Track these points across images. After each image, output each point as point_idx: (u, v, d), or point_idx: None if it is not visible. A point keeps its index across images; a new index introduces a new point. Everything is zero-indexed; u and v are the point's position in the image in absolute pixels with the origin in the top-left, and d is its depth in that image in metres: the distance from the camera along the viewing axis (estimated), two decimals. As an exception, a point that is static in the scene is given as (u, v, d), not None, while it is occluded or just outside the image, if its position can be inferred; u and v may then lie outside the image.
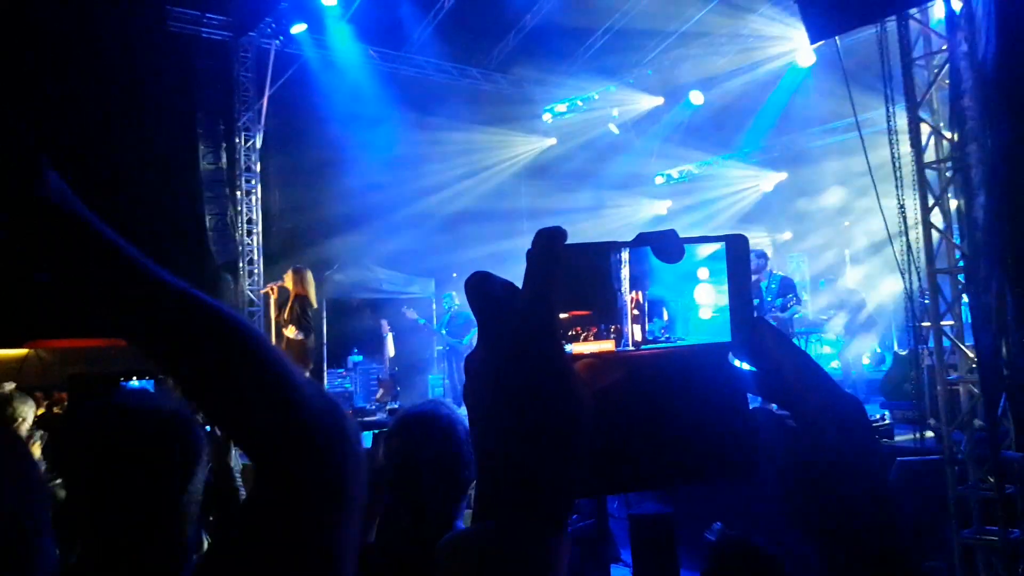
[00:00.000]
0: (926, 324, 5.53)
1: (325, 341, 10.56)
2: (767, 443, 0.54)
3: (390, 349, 11.57)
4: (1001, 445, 4.98)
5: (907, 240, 5.65)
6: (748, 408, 0.55)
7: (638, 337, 0.55)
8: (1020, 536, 4.81)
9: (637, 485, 0.55)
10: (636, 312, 0.55)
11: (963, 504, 5.06)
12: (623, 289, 0.54)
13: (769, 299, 8.64)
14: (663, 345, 0.55)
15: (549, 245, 0.50)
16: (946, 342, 5.39)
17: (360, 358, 11.48)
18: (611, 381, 0.53)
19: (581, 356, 0.53)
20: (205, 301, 0.70)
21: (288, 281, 8.29)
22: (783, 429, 0.55)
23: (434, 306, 12.35)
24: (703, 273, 0.55)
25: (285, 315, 8.23)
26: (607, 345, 0.54)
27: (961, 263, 5.28)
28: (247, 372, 0.70)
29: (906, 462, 5.48)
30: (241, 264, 10.59)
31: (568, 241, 0.51)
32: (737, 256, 0.55)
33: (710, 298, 0.56)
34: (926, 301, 5.57)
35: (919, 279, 5.60)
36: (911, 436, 6.05)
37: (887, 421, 6.73)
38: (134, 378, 9.05)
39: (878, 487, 0.54)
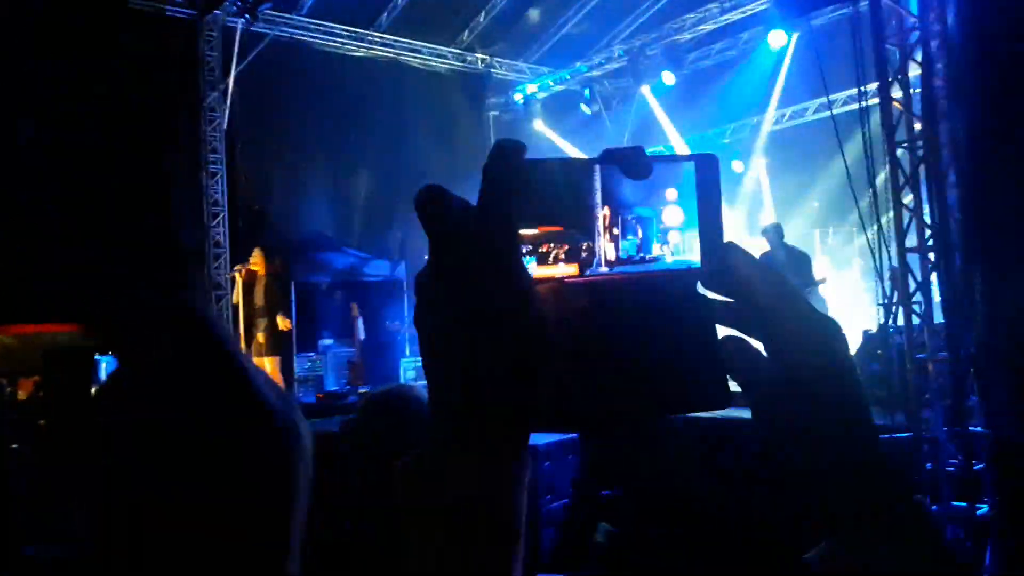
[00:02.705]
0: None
1: (294, 324, 10.45)
2: (738, 372, 0.52)
3: (360, 332, 11.49)
4: (968, 422, 5.05)
5: (878, 219, 5.68)
6: (716, 337, 0.52)
7: (612, 256, 0.52)
8: (988, 511, 4.88)
9: (602, 419, 0.53)
10: (608, 228, 0.52)
11: (931, 481, 5.13)
12: (595, 203, 0.51)
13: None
14: (634, 267, 0.53)
15: (508, 158, 0.47)
16: (915, 320, 5.44)
17: (331, 342, 11.39)
18: (574, 308, 0.50)
19: (544, 280, 0.50)
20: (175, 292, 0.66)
21: (257, 262, 8.13)
22: (754, 356, 0.52)
23: (407, 288, 12.28)
24: (671, 194, 0.53)
25: (261, 299, 8.07)
26: (571, 269, 0.51)
27: (931, 242, 5.32)
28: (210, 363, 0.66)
29: (876, 440, 5.54)
30: (208, 247, 10.42)
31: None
32: (707, 177, 0.52)
33: (679, 220, 0.53)
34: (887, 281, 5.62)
35: (889, 258, 5.64)
36: (880, 415, 6.12)
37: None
38: (109, 353, 8.89)
39: (857, 409, 0.51)
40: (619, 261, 0.53)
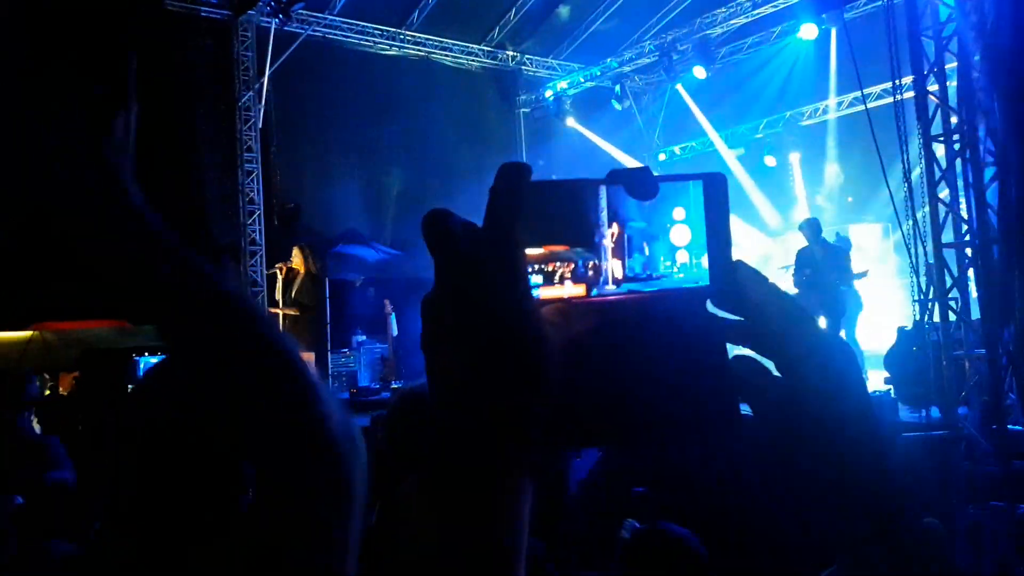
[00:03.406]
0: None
1: (328, 321, 10.57)
2: (748, 394, 0.52)
3: (393, 328, 11.56)
4: (1006, 420, 4.97)
5: (913, 214, 5.61)
6: (727, 358, 0.52)
7: (618, 274, 0.52)
8: (1026, 511, 4.81)
9: (608, 440, 0.53)
10: (615, 247, 0.52)
11: (969, 479, 5.05)
12: (602, 222, 0.51)
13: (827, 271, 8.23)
14: (642, 284, 0.53)
15: (514, 181, 0.48)
16: (952, 317, 5.36)
17: (363, 338, 11.49)
18: (581, 329, 0.50)
19: (549, 301, 0.50)
20: (239, 296, 0.68)
21: (296, 259, 8.27)
22: (766, 377, 0.52)
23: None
24: (679, 213, 0.53)
25: (299, 296, 8.23)
26: (578, 289, 0.51)
27: (967, 237, 5.24)
28: (272, 374, 0.67)
29: (910, 437, 5.47)
30: (243, 245, 10.57)
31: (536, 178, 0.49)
32: (715, 196, 0.52)
33: (686, 239, 0.53)
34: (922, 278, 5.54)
35: (925, 254, 5.57)
36: (915, 412, 6.04)
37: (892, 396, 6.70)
38: (146, 354, 9.10)
39: (866, 431, 0.51)
40: (626, 280, 0.53)
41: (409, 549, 0.46)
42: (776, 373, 0.52)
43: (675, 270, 0.53)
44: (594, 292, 0.52)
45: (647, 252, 0.53)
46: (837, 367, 0.51)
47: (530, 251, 0.50)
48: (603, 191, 0.52)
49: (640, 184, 0.52)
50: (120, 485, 1.12)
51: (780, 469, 0.52)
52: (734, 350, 0.53)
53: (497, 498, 0.46)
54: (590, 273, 0.52)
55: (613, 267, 0.52)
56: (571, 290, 0.52)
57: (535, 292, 0.50)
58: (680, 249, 0.53)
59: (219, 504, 1.14)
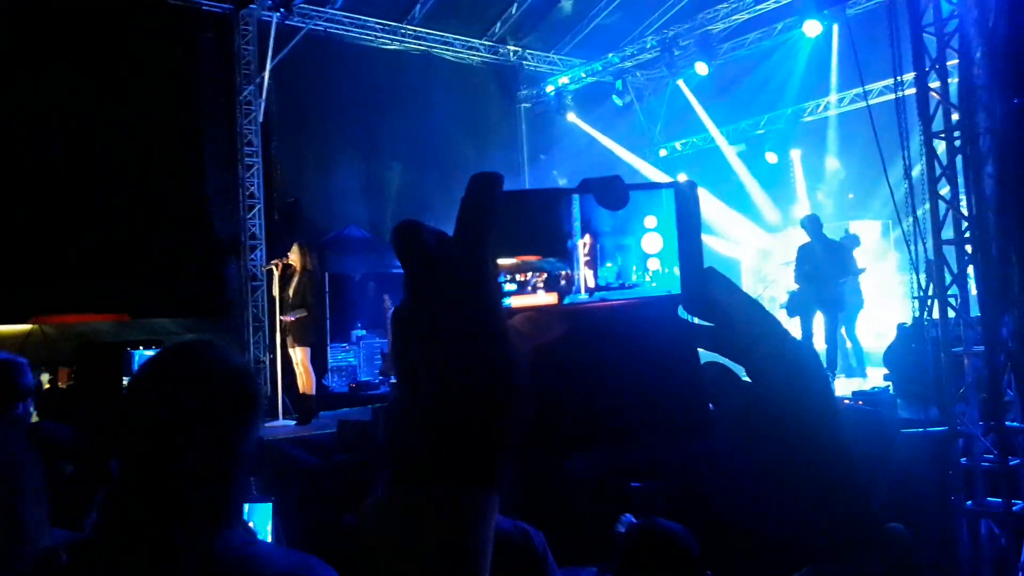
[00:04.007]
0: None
1: (328, 315, 10.58)
2: (719, 398, 0.53)
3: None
4: (1005, 417, 4.98)
5: (913, 211, 5.61)
6: (699, 363, 0.53)
7: (591, 283, 0.53)
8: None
9: (582, 447, 0.53)
10: (588, 257, 0.53)
11: (967, 476, 5.07)
12: (574, 231, 0.52)
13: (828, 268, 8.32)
14: (614, 293, 0.53)
15: (485, 191, 0.47)
16: (951, 313, 5.37)
17: (363, 332, 11.52)
18: (553, 336, 0.51)
19: (521, 310, 0.51)
20: None
21: (294, 256, 8.27)
22: (735, 382, 0.53)
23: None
24: (650, 221, 0.53)
25: (295, 293, 8.23)
26: (551, 298, 0.52)
27: (968, 234, 5.24)
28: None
29: (909, 434, 5.48)
30: (243, 239, 10.57)
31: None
32: (686, 204, 0.53)
33: (658, 247, 0.53)
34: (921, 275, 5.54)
35: (925, 250, 5.57)
36: (914, 409, 6.05)
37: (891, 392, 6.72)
38: (140, 347, 9.10)
39: (828, 434, 0.52)
40: (598, 288, 0.53)
41: (376, 557, 0.46)
42: (746, 378, 0.53)
43: (647, 278, 0.53)
44: (566, 301, 0.52)
45: (619, 260, 0.53)
46: (803, 373, 0.53)
47: (503, 261, 0.50)
48: (575, 200, 0.52)
49: (611, 193, 0.52)
50: (119, 475, 1.13)
51: (749, 470, 0.53)
52: (706, 356, 0.54)
53: (463, 509, 0.46)
54: (563, 282, 0.52)
55: (586, 276, 0.53)
56: (544, 299, 0.52)
57: (508, 301, 0.50)
58: (652, 257, 0.53)
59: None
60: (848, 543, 0.51)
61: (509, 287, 0.51)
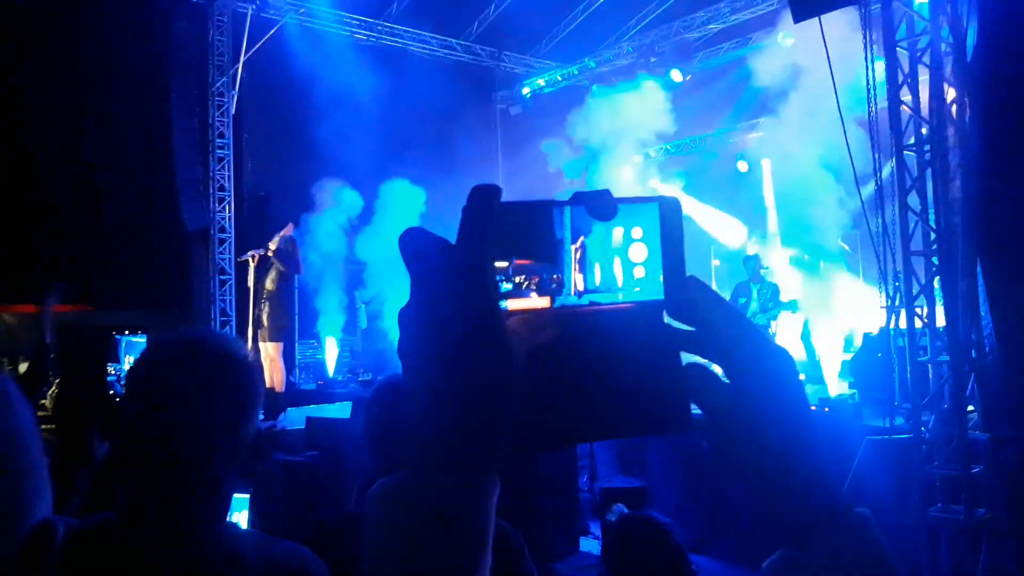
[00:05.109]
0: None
1: (297, 312, 10.48)
2: (700, 397, 0.57)
3: (362, 321, 11.51)
4: (968, 426, 5.07)
5: (883, 221, 5.70)
6: (681, 365, 0.57)
7: (580, 287, 0.57)
8: (984, 515, 4.91)
9: (571, 442, 0.57)
10: (578, 263, 0.57)
11: (929, 483, 5.15)
12: (566, 239, 0.56)
13: (756, 306, 8.91)
14: (601, 296, 0.57)
15: (484, 202, 0.52)
16: (918, 323, 5.46)
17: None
18: (545, 338, 0.55)
19: (516, 312, 0.55)
20: None
21: (275, 245, 8.24)
22: (715, 383, 0.57)
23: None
24: (637, 232, 0.57)
25: (271, 285, 8.18)
26: (543, 301, 0.56)
27: (935, 246, 5.33)
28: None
29: (875, 441, 5.56)
30: (212, 232, 10.43)
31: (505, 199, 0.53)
32: (670, 218, 0.57)
33: (643, 256, 0.57)
34: (897, 284, 5.64)
35: (893, 261, 5.66)
36: (880, 416, 6.15)
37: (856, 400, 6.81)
38: (126, 332, 8.92)
39: (802, 434, 0.56)
40: (588, 292, 0.57)
41: (379, 545, 0.50)
42: (725, 379, 0.57)
43: (633, 284, 0.57)
44: (557, 303, 0.56)
45: (608, 267, 0.57)
46: (778, 373, 0.57)
47: (499, 263, 0.55)
48: (567, 211, 0.56)
49: (601, 205, 0.56)
50: (104, 459, 1.11)
51: (730, 465, 0.57)
52: (687, 358, 0.57)
53: (482, 493, 0.50)
54: (554, 286, 0.56)
55: (576, 280, 0.57)
56: (536, 301, 0.56)
57: (503, 303, 0.54)
58: (638, 265, 0.57)
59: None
60: (818, 526, 0.55)
61: (505, 285, 0.55)
